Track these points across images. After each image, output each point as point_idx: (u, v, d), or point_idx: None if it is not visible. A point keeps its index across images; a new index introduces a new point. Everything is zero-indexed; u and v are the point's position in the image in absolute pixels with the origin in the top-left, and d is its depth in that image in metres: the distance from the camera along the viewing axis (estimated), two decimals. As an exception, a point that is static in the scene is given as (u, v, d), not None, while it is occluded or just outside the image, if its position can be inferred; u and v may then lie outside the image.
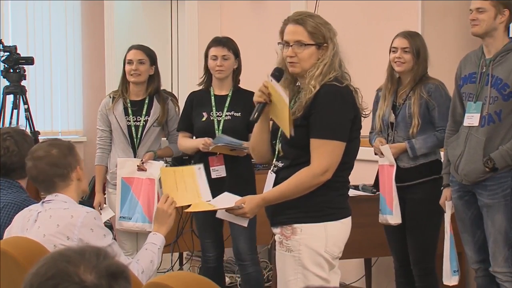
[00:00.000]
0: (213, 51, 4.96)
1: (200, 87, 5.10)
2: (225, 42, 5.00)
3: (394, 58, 4.73)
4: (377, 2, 6.02)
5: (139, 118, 5.18)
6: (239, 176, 4.88)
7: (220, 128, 4.90)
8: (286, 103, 3.31)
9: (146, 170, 5.10)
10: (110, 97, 5.25)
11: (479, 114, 4.30)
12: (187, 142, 5.02)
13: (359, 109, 3.45)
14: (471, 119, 4.33)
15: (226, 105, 4.95)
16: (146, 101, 5.21)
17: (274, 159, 3.53)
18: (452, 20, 5.80)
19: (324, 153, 3.33)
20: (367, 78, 5.97)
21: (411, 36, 4.76)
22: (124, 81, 5.23)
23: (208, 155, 4.88)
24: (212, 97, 4.99)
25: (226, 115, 4.93)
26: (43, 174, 3.30)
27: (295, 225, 3.38)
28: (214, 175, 4.85)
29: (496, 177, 4.27)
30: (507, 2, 4.31)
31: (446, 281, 4.54)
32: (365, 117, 3.50)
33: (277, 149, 3.50)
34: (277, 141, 3.50)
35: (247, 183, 4.91)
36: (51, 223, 3.21)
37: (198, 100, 5.03)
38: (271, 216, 3.50)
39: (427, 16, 5.75)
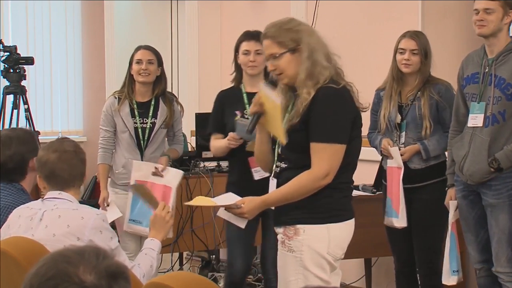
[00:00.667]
0: (245, 46, 4.68)
1: (231, 85, 4.78)
2: (258, 36, 4.46)
3: (402, 60, 4.69)
4: (377, 2, 6.02)
5: (145, 120, 5.10)
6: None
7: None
8: (278, 105, 3.30)
9: (162, 176, 5.05)
10: (116, 98, 5.13)
11: (483, 115, 4.29)
12: (217, 142, 4.69)
13: (359, 108, 3.42)
14: (475, 119, 4.32)
15: None
16: (152, 103, 5.13)
17: (276, 160, 3.52)
18: (452, 20, 5.80)
19: (324, 157, 3.31)
20: (367, 78, 5.97)
21: (418, 37, 4.73)
22: (130, 82, 5.14)
23: (247, 156, 4.45)
24: (244, 95, 4.67)
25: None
26: (72, 169, 3.29)
27: (298, 226, 3.36)
28: (256, 176, 4.51)
29: (501, 176, 4.26)
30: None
31: (445, 281, 4.54)
32: (364, 111, 3.47)
33: (276, 153, 3.51)
34: (276, 146, 3.51)
35: None
36: (61, 223, 3.20)
37: (229, 99, 4.72)
38: (275, 216, 3.50)
39: (427, 16, 5.75)
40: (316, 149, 3.31)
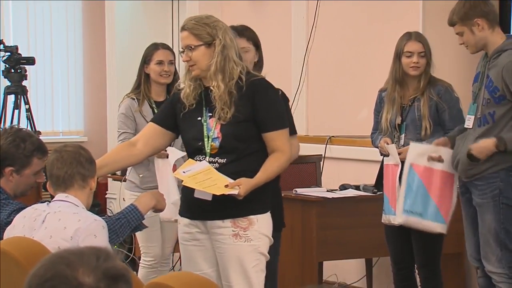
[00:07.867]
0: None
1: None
2: (240, 31, 4.19)
3: (410, 63, 4.64)
4: (378, 3, 6.02)
5: None
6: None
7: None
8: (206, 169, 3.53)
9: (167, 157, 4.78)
10: (134, 99, 4.99)
11: (473, 116, 4.33)
12: None
13: None
14: (469, 121, 4.37)
15: None
16: None
17: (208, 156, 3.59)
18: (453, 20, 5.80)
19: (285, 141, 3.61)
20: (367, 78, 5.98)
21: (422, 38, 4.73)
22: (146, 81, 5.00)
23: None
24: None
25: None
26: (67, 167, 3.29)
27: (251, 217, 3.55)
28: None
29: (485, 177, 4.28)
30: (472, 14, 4.31)
31: (396, 220, 4.54)
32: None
33: (208, 147, 3.58)
34: (208, 139, 3.58)
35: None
36: (60, 226, 3.23)
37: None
38: (220, 210, 3.55)
39: (428, 17, 5.75)
40: (275, 136, 3.58)
